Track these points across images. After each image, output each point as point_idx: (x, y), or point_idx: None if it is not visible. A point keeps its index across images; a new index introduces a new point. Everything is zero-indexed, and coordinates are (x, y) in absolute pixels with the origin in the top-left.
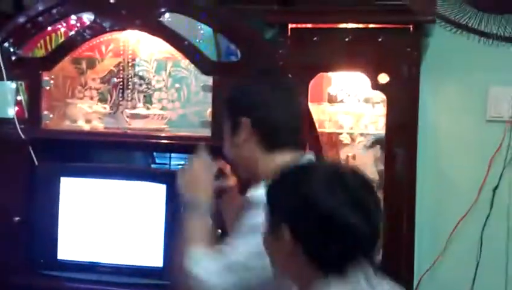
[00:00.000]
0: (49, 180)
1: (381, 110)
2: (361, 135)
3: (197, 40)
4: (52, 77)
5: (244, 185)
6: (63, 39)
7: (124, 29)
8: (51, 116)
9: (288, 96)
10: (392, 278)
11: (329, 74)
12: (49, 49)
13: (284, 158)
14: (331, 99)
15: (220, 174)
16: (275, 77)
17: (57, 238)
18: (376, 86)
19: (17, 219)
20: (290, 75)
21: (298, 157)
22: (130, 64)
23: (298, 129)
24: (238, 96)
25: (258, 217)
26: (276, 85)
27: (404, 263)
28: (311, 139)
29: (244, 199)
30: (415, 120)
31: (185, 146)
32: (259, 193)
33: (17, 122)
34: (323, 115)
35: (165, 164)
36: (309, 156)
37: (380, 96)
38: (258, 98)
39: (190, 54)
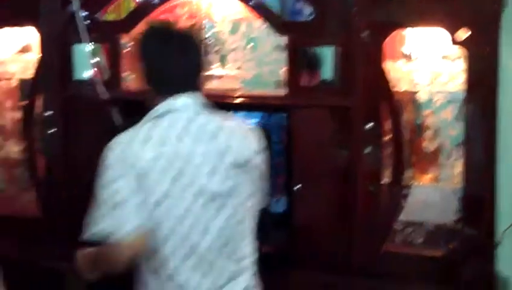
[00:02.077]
0: None
1: (459, 66)
2: (439, 92)
3: None
4: (130, 40)
5: None
6: (133, 3)
7: None
8: (131, 77)
9: (173, 50)
10: (474, 231)
11: (405, 30)
12: (120, 14)
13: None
14: (407, 57)
15: None
16: (167, 32)
17: None
18: (456, 41)
19: None
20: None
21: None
22: (204, 26)
23: (179, 80)
24: (138, 44)
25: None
26: (164, 40)
27: (485, 222)
28: (386, 98)
29: None
30: (495, 76)
31: (259, 105)
32: None
33: (99, 84)
34: (399, 73)
35: None
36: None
37: (459, 52)
38: (146, 49)
39: (263, 14)
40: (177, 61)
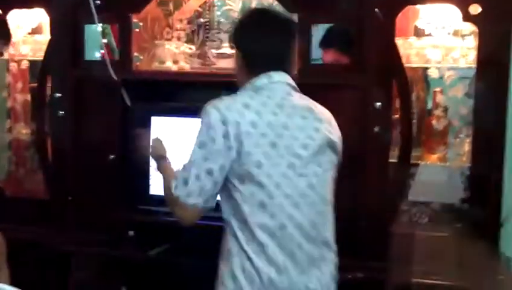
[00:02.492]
0: (141, 119)
1: (471, 43)
2: (450, 69)
3: None
4: (140, 20)
5: None
6: None
7: None
8: (141, 57)
9: (272, 30)
10: (480, 211)
11: (417, 6)
12: None
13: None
14: (419, 33)
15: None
16: (266, 15)
17: (148, 175)
18: (467, 17)
19: (112, 156)
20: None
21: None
22: (215, 4)
23: (276, 55)
24: (233, 30)
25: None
26: (261, 23)
27: (492, 196)
28: (397, 75)
29: None
30: (507, 53)
31: None
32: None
33: (109, 65)
34: (411, 49)
35: None
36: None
37: (470, 28)
38: (244, 31)
39: None
40: (275, 41)
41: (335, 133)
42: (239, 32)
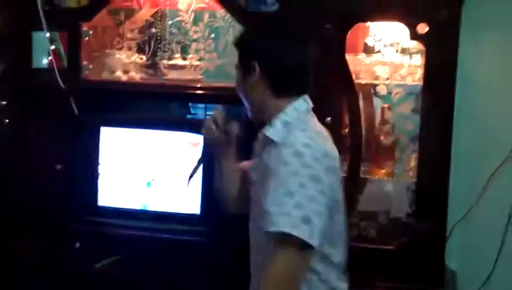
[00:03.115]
0: (90, 129)
1: (418, 61)
2: (398, 86)
3: None
4: (90, 28)
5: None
6: None
7: None
8: (90, 66)
9: (297, 45)
10: (426, 225)
11: (367, 24)
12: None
13: (290, 103)
14: (368, 50)
15: (227, 120)
16: (285, 25)
17: (97, 186)
18: (415, 36)
19: (59, 166)
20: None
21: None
22: (167, 15)
23: (305, 77)
24: (248, 40)
25: (284, 150)
26: (287, 33)
27: (438, 212)
28: (346, 90)
29: (261, 136)
30: (453, 71)
31: (220, 97)
32: (274, 131)
33: (57, 73)
34: (360, 66)
35: (198, 114)
36: (309, 102)
37: (418, 46)
38: (268, 43)
39: (226, 4)
40: (301, 57)
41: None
42: (260, 45)
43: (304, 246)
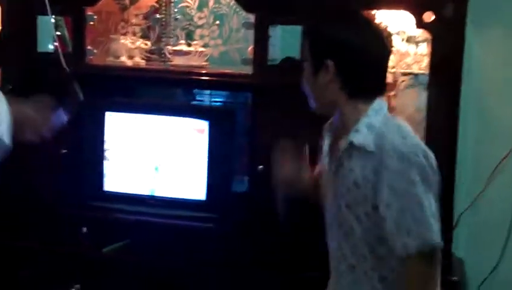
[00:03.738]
0: (94, 114)
1: (424, 49)
2: (404, 74)
3: None
4: (95, 13)
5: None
6: None
7: None
8: (95, 51)
9: (375, 40)
10: None
11: (373, 12)
12: None
13: (370, 105)
14: None
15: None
16: (360, 18)
17: (102, 171)
18: (421, 24)
19: (64, 151)
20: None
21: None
22: (171, 0)
23: (383, 75)
24: (323, 37)
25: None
26: (368, 27)
27: (444, 200)
28: None
29: (346, 143)
30: (459, 60)
31: (225, 83)
32: (361, 138)
33: (62, 57)
34: None
35: (203, 100)
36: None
37: (424, 35)
38: (344, 40)
39: None
40: (383, 54)
41: None
42: (338, 42)
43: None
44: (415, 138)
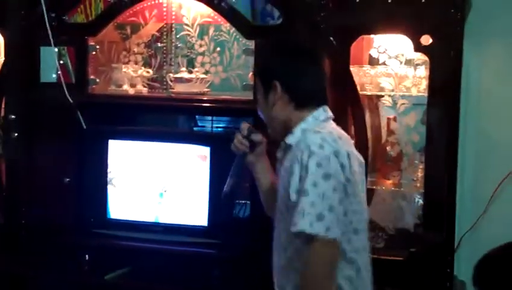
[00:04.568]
0: (97, 142)
1: (423, 72)
2: (403, 97)
3: (233, 0)
4: (97, 43)
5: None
6: (102, 4)
7: None
8: (97, 80)
9: (314, 63)
10: (434, 236)
11: (371, 36)
12: (89, 15)
13: (311, 113)
14: (373, 62)
15: (252, 131)
16: (300, 44)
17: (106, 199)
18: (418, 47)
19: (67, 179)
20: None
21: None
22: (172, 29)
23: (323, 90)
24: (268, 61)
25: (298, 152)
26: (304, 52)
27: (446, 223)
28: (352, 102)
29: (283, 145)
30: (458, 82)
31: (226, 109)
32: (293, 138)
33: (65, 87)
34: (365, 78)
35: (205, 127)
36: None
37: (422, 58)
38: (288, 64)
39: (231, 18)
40: (320, 76)
41: None
42: (279, 66)
43: (326, 239)
44: (336, 140)
